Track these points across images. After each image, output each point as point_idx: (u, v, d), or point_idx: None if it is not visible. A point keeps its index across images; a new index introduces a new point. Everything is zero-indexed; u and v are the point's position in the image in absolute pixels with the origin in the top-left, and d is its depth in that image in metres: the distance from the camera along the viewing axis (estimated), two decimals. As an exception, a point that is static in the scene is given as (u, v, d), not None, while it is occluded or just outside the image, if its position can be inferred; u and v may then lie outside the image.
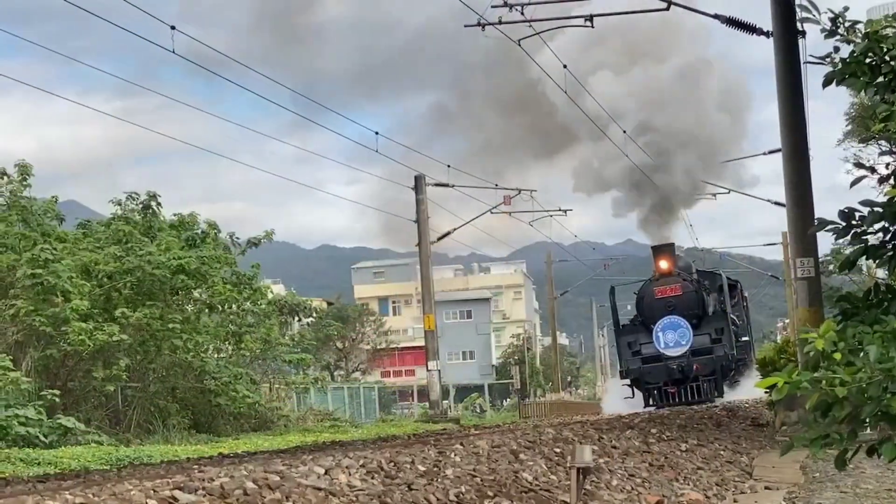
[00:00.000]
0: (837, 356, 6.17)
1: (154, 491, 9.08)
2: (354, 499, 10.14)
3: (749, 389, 45.49)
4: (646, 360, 45.85)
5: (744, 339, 54.34)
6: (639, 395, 47.04)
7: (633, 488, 14.31)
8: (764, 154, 51.05)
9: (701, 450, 19.50)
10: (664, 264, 46.51)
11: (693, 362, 44.70)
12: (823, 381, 6.08)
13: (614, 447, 16.76)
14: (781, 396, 6.20)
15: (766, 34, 25.07)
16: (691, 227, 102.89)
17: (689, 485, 15.87)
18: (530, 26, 27.87)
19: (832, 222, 7.36)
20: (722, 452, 19.97)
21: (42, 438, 25.80)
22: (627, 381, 47.25)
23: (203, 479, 9.58)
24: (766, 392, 6.24)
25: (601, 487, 13.56)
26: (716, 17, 26.36)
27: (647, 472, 15.78)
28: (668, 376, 45.20)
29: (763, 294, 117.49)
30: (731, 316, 48.79)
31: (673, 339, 45.01)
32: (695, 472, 17.16)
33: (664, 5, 26.22)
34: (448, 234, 51.84)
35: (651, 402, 45.47)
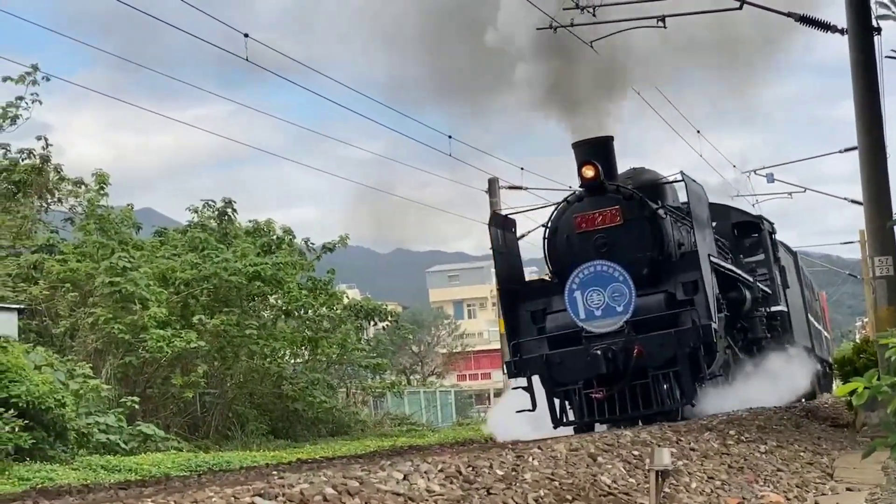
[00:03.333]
0: (919, 358, 6.12)
1: (234, 497, 9.12)
2: (433, 504, 10.14)
3: (775, 387, 29.50)
4: (554, 342, 24.27)
5: (774, 308, 33.40)
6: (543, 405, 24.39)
7: (712, 491, 14.23)
8: (840, 152, 50.47)
9: (780, 451, 19.35)
10: (590, 172, 24.18)
11: (634, 342, 23.14)
12: (904, 384, 6.03)
13: (693, 449, 16.67)
14: (862, 402, 6.14)
15: (841, 31, 24.85)
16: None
17: (769, 487, 15.76)
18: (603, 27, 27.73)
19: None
20: (802, 454, 19.82)
21: (122, 445, 26.06)
22: (523, 382, 24.34)
23: (283, 486, 9.62)
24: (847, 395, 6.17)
25: (680, 490, 13.50)
26: (789, 15, 26.16)
27: (726, 475, 15.68)
28: (592, 370, 23.26)
29: (841, 293, 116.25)
30: (720, 262, 26.50)
31: (600, 302, 23.66)
32: (774, 473, 17.03)
33: (737, 4, 26.05)
34: (523, 236, 51.63)
35: (565, 419, 23.95)
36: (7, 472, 20.54)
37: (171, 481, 18.63)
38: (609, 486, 12.54)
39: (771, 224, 35.92)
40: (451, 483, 10.86)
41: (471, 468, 11.52)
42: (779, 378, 30.39)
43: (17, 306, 30.09)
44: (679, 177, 24.64)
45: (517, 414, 24.41)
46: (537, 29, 27.57)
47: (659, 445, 14.31)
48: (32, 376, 24.27)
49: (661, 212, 24.73)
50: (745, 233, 34.49)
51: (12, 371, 23.94)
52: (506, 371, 25.59)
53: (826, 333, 50.88)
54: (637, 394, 23.12)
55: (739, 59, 35.59)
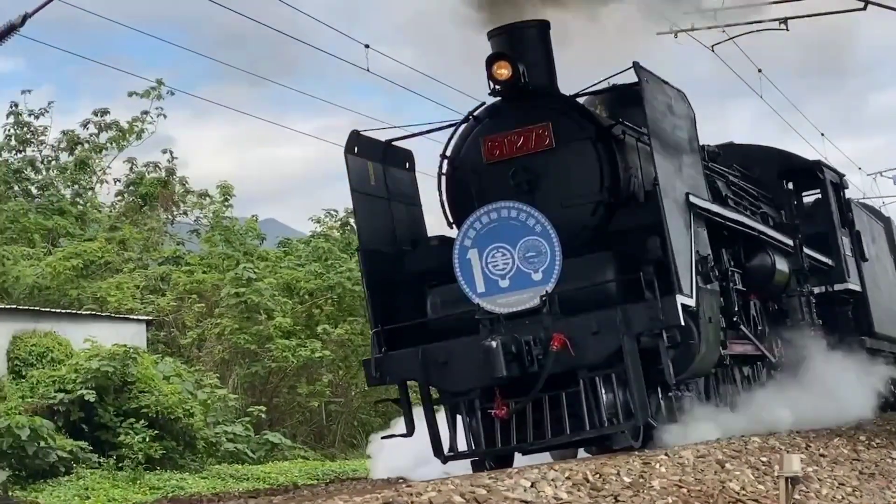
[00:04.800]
0: None
1: (363, 506, 9.19)
2: (561, 511, 10.12)
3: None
4: (440, 329, 15.40)
5: (839, 286, 23.87)
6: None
7: (843, 497, 14.04)
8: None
9: (912, 457, 19.04)
10: (504, 70, 15.41)
11: (556, 328, 14.40)
12: None
13: (822, 455, 16.45)
14: None
15: (968, 29, 24.38)
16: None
17: (901, 493, 15.52)
18: (723, 31, 27.58)
19: None
20: (934, 459, 19.48)
21: (250, 454, 26.36)
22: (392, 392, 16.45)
23: (411, 494, 9.67)
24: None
25: (810, 497, 13.34)
26: (914, 13, 25.75)
27: (857, 481, 15.46)
28: (491, 372, 14.21)
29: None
30: (710, 207, 16.41)
31: (507, 266, 15.04)
32: (907, 479, 16.77)
33: (861, 5, 25.73)
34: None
35: (449, 450, 15.27)
36: (139, 481, 20.94)
37: (300, 490, 18.84)
38: (738, 493, 12.44)
39: (839, 175, 25.93)
40: (579, 490, 10.85)
41: (598, 475, 11.49)
42: (830, 386, 20.26)
43: (146, 318, 30.56)
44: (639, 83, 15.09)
45: (398, 442, 16.46)
46: (657, 34, 27.46)
47: (788, 451, 14.17)
48: (162, 387, 24.67)
49: (617, 130, 16.09)
50: (801, 185, 25.07)
51: (142, 381, 24.36)
52: (366, 377, 16.26)
53: None
54: (562, 409, 14.80)
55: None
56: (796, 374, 19.72)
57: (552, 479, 10.96)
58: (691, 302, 14.56)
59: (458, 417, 15.36)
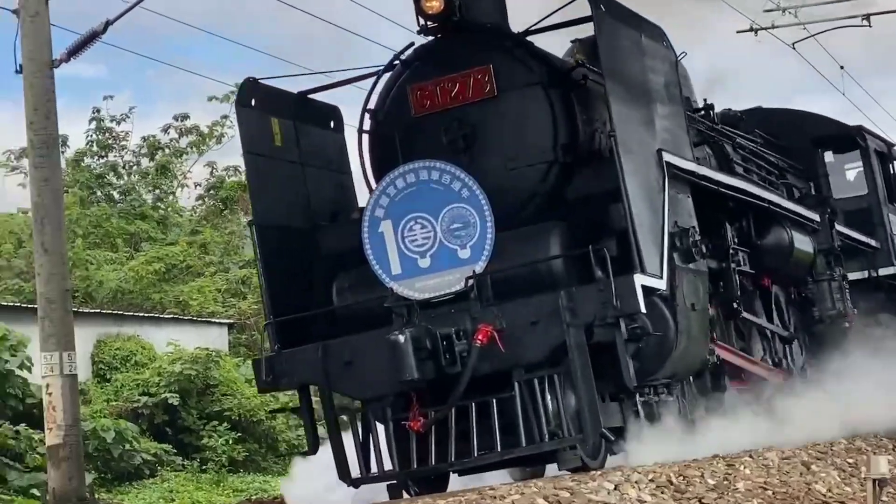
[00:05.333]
0: None
1: (447, 508, 9.21)
2: (645, 514, 10.08)
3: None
4: (346, 322, 12.46)
5: (886, 270, 20.21)
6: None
7: (931, 499, 13.89)
8: None
9: None
10: (435, 3, 12.54)
11: (484, 318, 11.51)
12: None
13: (909, 456, 16.29)
14: None
15: None
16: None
17: None
18: (805, 28, 27.36)
19: None
20: None
21: (332, 456, 26.43)
22: (290, 400, 16.93)
23: (494, 497, 9.67)
24: None
25: (898, 499, 13.21)
26: None
27: (945, 483, 15.29)
28: (397, 374, 11.41)
29: None
30: (693, 168, 13.24)
31: (427, 241, 12.17)
32: None
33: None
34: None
35: (363, 472, 12.45)
36: (223, 484, 21.07)
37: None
38: (824, 496, 12.33)
39: (887, 144, 21.80)
40: (663, 493, 10.79)
41: (682, 477, 11.43)
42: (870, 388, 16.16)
43: (228, 321, 30.73)
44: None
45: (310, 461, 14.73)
46: (737, 32, 27.29)
47: (875, 453, 14.01)
48: (244, 389, 24.80)
49: (578, 74, 13.13)
50: (841, 155, 21.44)
51: (225, 384, 24.52)
52: (257, 382, 13.27)
53: None
54: (493, 420, 11.82)
55: None
56: (818, 371, 16.73)
57: (636, 482, 10.91)
58: (660, 284, 11.85)
59: (371, 430, 12.61)
